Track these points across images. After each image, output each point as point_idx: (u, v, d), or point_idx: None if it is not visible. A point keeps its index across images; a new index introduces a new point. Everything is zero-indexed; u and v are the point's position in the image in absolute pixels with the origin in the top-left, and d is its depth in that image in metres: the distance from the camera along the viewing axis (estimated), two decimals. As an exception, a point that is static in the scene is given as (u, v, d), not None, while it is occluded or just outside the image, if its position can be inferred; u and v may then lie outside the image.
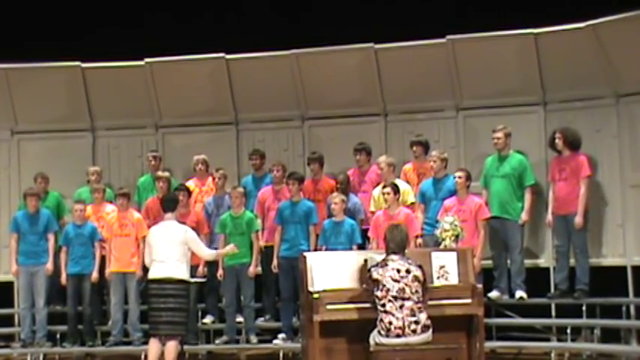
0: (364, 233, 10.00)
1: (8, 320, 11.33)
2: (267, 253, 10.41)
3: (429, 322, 7.43)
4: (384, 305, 7.42)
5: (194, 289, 10.20)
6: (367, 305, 7.66)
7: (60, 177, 11.38)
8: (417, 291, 7.45)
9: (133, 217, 10.50)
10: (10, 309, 11.28)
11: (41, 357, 10.56)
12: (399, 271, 7.48)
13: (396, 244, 7.62)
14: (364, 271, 7.79)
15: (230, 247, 9.36)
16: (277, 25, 11.81)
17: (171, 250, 8.80)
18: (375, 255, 7.89)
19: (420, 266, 7.58)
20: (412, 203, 10.08)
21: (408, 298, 7.41)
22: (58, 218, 11.06)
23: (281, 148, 11.43)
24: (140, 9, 12.15)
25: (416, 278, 7.48)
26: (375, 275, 7.50)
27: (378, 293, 7.45)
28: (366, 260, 7.91)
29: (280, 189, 10.49)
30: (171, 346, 8.80)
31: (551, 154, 10.17)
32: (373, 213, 10.09)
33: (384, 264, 7.55)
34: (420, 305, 7.43)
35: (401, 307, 7.39)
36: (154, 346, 8.81)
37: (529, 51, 10.52)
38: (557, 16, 10.26)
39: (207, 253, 9.23)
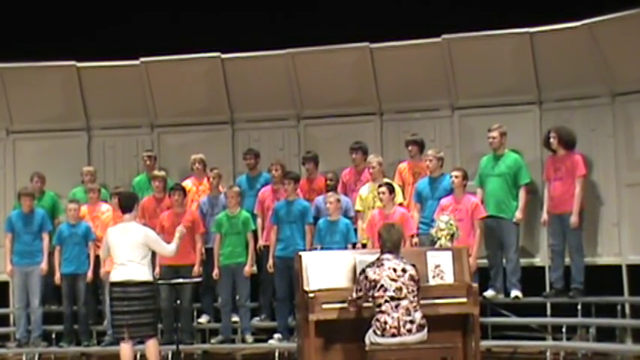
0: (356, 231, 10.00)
1: (3, 320, 11.31)
2: (265, 252, 10.39)
3: (423, 321, 7.43)
4: (379, 305, 7.41)
5: (190, 289, 10.20)
6: (366, 305, 7.63)
7: (55, 176, 11.37)
8: (412, 290, 7.45)
9: (128, 216, 10.47)
10: (6, 309, 11.27)
11: (36, 357, 10.55)
12: (395, 270, 7.47)
13: (393, 243, 7.61)
14: (354, 273, 7.76)
15: (179, 230, 9.04)
16: (272, 25, 11.81)
17: (132, 253, 8.63)
18: (367, 256, 7.86)
19: (413, 265, 7.58)
20: (401, 203, 10.07)
21: (404, 297, 7.40)
22: (54, 218, 11.06)
23: (276, 148, 11.43)
24: (135, 8, 12.13)
25: (411, 277, 7.48)
26: (371, 276, 7.48)
27: (375, 293, 7.43)
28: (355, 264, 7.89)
29: (279, 188, 10.48)
30: (152, 345, 8.69)
31: (547, 154, 10.17)
32: (359, 212, 10.10)
33: (379, 264, 7.53)
34: (415, 304, 7.42)
35: (396, 306, 7.38)
36: (126, 350, 8.67)
37: (524, 50, 10.52)
38: (552, 15, 10.27)
39: (169, 250, 8.90)
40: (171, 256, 9.13)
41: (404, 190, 10.33)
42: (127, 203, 8.89)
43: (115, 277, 8.70)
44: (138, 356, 9.22)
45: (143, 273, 8.65)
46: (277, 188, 10.50)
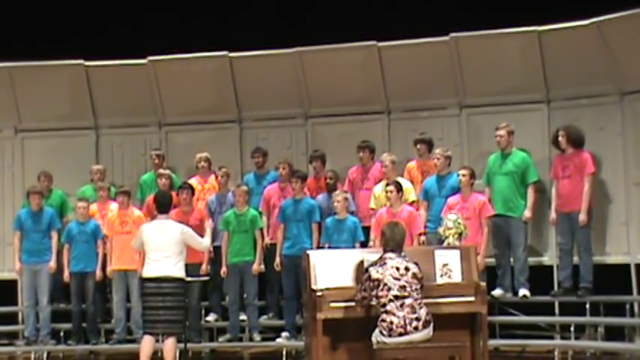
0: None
1: (12, 318, 11.33)
2: (271, 250, 10.41)
3: (429, 317, 7.40)
4: (384, 305, 7.38)
5: (197, 287, 10.21)
6: (370, 303, 7.62)
7: (63, 175, 11.40)
8: (416, 288, 7.43)
9: (134, 214, 10.51)
10: (14, 307, 11.30)
11: (45, 355, 10.57)
12: (398, 269, 7.45)
13: (396, 242, 7.59)
14: (360, 273, 7.74)
15: (209, 224, 9.42)
16: (280, 23, 11.81)
17: (167, 249, 8.75)
18: (375, 255, 7.83)
19: (416, 263, 7.56)
20: (413, 201, 10.07)
21: (408, 296, 7.38)
22: (62, 216, 11.08)
23: (284, 146, 11.43)
24: (143, 7, 12.15)
25: (414, 275, 7.46)
26: (374, 275, 7.46)
27: (379, 293, 7.41)
28: (362, 261, 7.87)
29: (286, 186, 10.49)
30: (171, 343, 8.78)
31: (555, 152, 10.15)
32: (373, 210, 10.09)
33: (382, 263, 7.52)
34: (419, 301, 7.40)
35: (401, 305, 7.36)
36: (147, 343, 8.78)
37: (533, 49, 10.50)
38: (561, 13, 10.25)
39: (204, 244, 9.23)
40: (206, 250, 9.53)
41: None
42: (163, 202, 9.05)
43: (149, 272, 8.80)
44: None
45: (178, 270, 8.77)
46: (284, 186, 10.50)
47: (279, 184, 10.63)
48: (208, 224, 9.49)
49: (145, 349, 8.79)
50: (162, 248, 8.78)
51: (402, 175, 10.40)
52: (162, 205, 9.03)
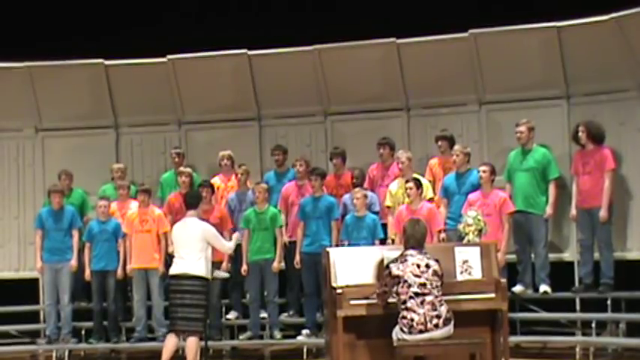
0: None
1: (34, 316, 11.40)
2: (290, 248, 10.42)
3: (450, 314, 7.39)
4: (404, 302, 7.37)
5: (218, 285, 10.23)
6: (391, 300, 7.62)
7: (84, 174, 11.44)
8: (436, 285, 7.42)
9: (154, 213, 10.55)
10: (36, 305, 11.36)
11: (66, 353, 10.63)
12: (419, 266, 7.45)
13: (417, 239, 7.58)
14: (380, 270, 7.74)
15: (235, 236, 9.45)
16: (299, 21, 11.80)
17: (189, 247, 8.80)
18: (395, 252, 7.82)
19: (437, 260, 7.55)
20: (431, 198, 10.06)
21: (429, 293, 7.37)
22: (83, 215, 11.12)
23: (304, 144, 11.44)
24: (162, 6, 12.19)
25: (435, 273, 7.45)
26: (395, 271, 7.45)
27: (399, 289, 7.41)
28: (382, 259, 7.87)
29: (304, 184, 10.50)
30: (191, 342, 8.79)
31: (575, 148, 10.11)
32: (389, 207, 10.08)
33: (403, 259, 7.51)
34: (440, 299, 7.40)
35: (422, 302, 7.35)
36: (170, 341, 8.82)
37: (552, 44, 10.46)
38: (580, 9, 10.20)
39: (227, 246, 9.22)
40: (228, 253, 9.59)
41: (434, 186, 10.31)
42: (191, 201, 9.10)
43: (172, 270, 8.91)
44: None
45: (198, 268, 8.79)
46: (302, 184, 10.51)
47: (296, 181, 10.64)
48: (235, 236, 9.48)
49: (167, 346, 8.84)
50: (183, 246, 8.83)
51: (423, 172, 10.39)
52: (188, 203, 9.09)
